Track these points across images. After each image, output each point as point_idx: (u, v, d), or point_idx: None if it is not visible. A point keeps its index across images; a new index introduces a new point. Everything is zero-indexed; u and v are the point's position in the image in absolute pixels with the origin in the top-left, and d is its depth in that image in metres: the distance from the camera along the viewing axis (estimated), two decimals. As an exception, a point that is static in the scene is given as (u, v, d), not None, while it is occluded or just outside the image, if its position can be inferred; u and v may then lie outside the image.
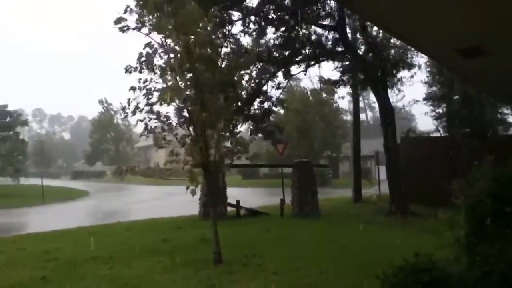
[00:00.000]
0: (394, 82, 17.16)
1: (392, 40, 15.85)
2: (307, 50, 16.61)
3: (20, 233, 13.87)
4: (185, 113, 8.77)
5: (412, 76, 19.09)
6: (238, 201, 16.01)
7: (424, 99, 20.41)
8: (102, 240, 10.52)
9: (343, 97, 46.44)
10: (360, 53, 16.78)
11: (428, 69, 18.56)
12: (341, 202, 20.63)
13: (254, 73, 15.32)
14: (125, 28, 8.18)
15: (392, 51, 16.12)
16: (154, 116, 8.51)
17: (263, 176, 47.11)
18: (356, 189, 21.10)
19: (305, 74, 18.40)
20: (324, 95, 37.42)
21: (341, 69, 17.45)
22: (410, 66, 16.66)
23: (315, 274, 7.05)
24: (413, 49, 15.50)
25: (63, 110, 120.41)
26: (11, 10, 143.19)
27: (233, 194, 17.15)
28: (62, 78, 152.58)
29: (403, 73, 17.54)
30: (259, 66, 16.21)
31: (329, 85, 19.49)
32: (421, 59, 17.86)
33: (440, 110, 20.45)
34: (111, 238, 11.23)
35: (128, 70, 8.56)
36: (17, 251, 9.74)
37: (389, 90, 16.70)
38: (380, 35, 15.99)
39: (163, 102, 8.38)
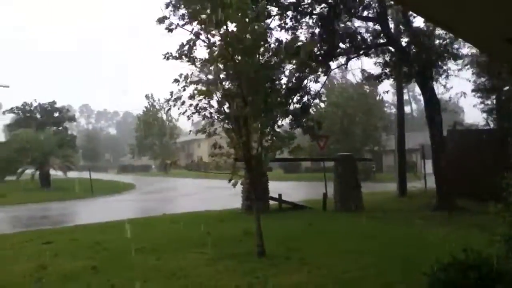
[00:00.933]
0: (440, 74, 16.60)
1: (436, 31, 15.34)
2: (347, 44, 16.34)
3: (71, 224, 14.52)
4: (227, 107, 8.86)
5: (460, 69, 18.47)
6: (280, 195, 16.06)
7: (473, 90, 19.66)
8: (149, 232, 10.85)
9: (387, 92, 45.28)
10: (403, 44, 16.33)
11: (477, 60, 17.80)
12: (385, 196, 20.27)
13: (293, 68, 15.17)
14: (171, 27, 8.35)
15: (437, 42, 15.61)
16: (195, 109, 8.63)
17: (304, 170, 46.92)
18: (400, 183, 20.68)
19: (345, 68, 18.14)
20: (366, 87, 36.70)
21: (383, 63, 17.04)
22: (455, 57, 16.07)
23: (358, 269, 7.01)
24: (459, 39, 15.00)
25: (109, 106, 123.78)
26: (61, 10, 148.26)
27: (275, 188, 17.21)
28: (108, 75, 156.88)
29: (451, 65, 16.95)
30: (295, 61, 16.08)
31: (371, 78, 19.07)
32: (468, 49, 17.19)
33: (489, 102, 19.66)
34: (157, 230, 11.56)
35: (166, 57, 8.67)
36: (68, 242, 10.20)
37: (434, 83, 16.21)
38: (423, 25, 15.51)
39: (203, 95, 8.54)
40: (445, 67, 16.44)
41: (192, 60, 8.48)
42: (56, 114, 43.93)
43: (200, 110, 8.77)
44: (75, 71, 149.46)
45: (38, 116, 42.80)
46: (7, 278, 6.80)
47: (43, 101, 43.98)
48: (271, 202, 15.87)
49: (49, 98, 50.66)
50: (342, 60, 17.20)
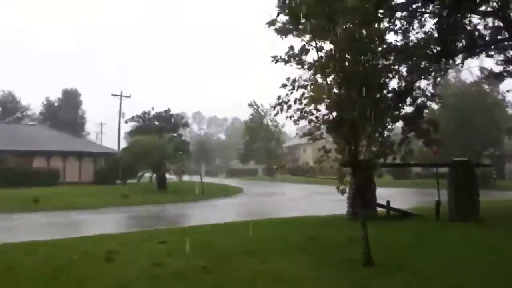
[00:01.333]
0: None
1: None
2: (464, 41, 15.26)
3: (184, 225, 15.43)
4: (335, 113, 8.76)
5: None
6: (388, 202, 15.47)
7: None
8: (255, 235, 11.08)
9: (508, 91, 41.20)
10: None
11: None
12: (508, 206, 18.49)
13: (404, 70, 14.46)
14: (281, 30, 8.47)
15: None
16: (303, 114, 8.67)
17: (415, 176, 44.65)
18: (526, 191, 18.72)
19: (462, 67, 16.95)
20: (486, 86, 33.81)
21: (505, 60, 15.60)
22: None
23: (476, 283, 6.48)
24: None
25: (219, 112, 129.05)
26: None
27: (383, 194, 16.62)
28: (219, 82, 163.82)
29: None
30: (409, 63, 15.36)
31: (492, 78, 17.56)
32: None
33: None
34: (263, 233, 11.77)
35: (276, 59, 8.79)
36: (180, 242, 10.81)
37: None
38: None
39: (313, 102, 8.55)
40: None
41: (301, 64, 8.54)
42: (172, 121, 47.10)
43: (306, 115, 8.79)
44: (189, 79, 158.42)
45: (156, 123, 46.29)
46: (125, 274, 7.39)
47: (159, 109, 47.53)
48: (379, 209, 15.33)
49: (164, 106, 54.58)
50: (457, 59, 16.12)
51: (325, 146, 8.87)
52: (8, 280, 7.15)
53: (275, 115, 9.35)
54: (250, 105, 67.77)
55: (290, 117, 8.93)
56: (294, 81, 8.73)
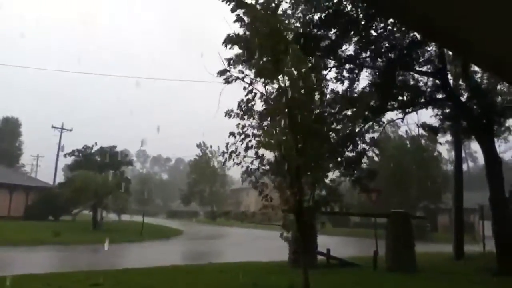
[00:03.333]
0: (502, 130, 15.97)
1: (498, 87, 14.92)
2: (405, 97, 16.17)
3: (118, 267, 14.66)
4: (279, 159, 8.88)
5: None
6: (328, 250, 15.57)
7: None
8: (196, 279, 10.73)
9: (441, 143, 43.77)
10: (463, 99, 15.95)
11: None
12: (441, 258, 19.16)
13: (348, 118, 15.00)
14: (230, 80, 8.66)
15: (499, 98, 15.13)
16: (253, 160, 8.73)
17: (353, 225, 45.54)
18: (457, 244, 19.53)
19: (402, 121, 17.85)
20: (423, 141, 35.73)
21: (442, 116, 16.66)
22: (518, 115, 15.49)
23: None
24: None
25: (163, 151, 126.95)
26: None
27: (323, 242, 16.74)
28: (164, 122, 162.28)
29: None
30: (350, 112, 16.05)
31: (429, 131, 18.62)
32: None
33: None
34: (204, 278, 11.42)
35: (228, 114, 8.93)
36: (116, 284, 10.26)
37: (495, 139, 15.58)
38: (485, 81, 15.14)
39: (261, 148, 8.64)
40: (507, 124, 15.83)
41: (251, 115, 8.69)
42: (115, 158, 45.65)
43: (253, 170, 8.86)
44: (132, 118, 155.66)
45: (98, 159, 44.68)
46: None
47: (103, 145, 46.05)
48: (319, 257, 15.37)
49: (107, 142, 53.12)
50: (398, 113, 16.98)
51: (268, 195, 8.93)
52: None
53: (224, 163, 9.35)
54: (198, 145, 67.41)
55: (238, 163, 8.97)
56: (243, 127, 8.82)
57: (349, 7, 14.87)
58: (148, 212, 67.26)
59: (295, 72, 8.40)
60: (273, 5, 8.56)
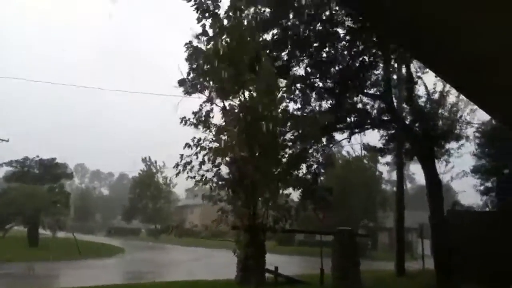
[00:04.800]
0: (442, 153, 16.81)
1: (440, 110, 15.75)
2: (352, 118, 16.66)
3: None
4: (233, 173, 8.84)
5: (459, 148, 18.74)
6: (276, 268, 15.50)
7: (472, 171, 19.87)
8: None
9: (385, 164, 45.46)
10: (407, 122, 16.67)
11: (477, 141, 18.18)
12: (383, 274, 19.69)
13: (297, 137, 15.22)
14: (189, 90, 8.59)
15: (440, 122, 15.94)
16: (209, 170, 8.63)
17: (297, 243, 45.90)
18: (398, 261, 20.16)
19: (349, 142, 18.34)
20: (365, 161, 36.95)
21: (386, 138, 17.32)
22: (458, 138, 16.37)
23: None
24: (461, 120, 15.37)
25: (103, 166, 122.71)
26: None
27: (269, 260, 16.73)
28: (105, 134, 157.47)
29: (451, 145, 17.19)
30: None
31: (373, 152, 19.27)
32: (469, 130, 17.58)
33: (489, 184, 19.77)
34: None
35: (184, 121, 8.81)
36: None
37: (436, 161, 16.35)
38: (428, 105, 15.93)
39: (219, 155, 8.56)
40: (447, 147, 16.68)
41: (207, 127, 8.63)
42: (54, 171, 43.65)
43: (208, 179, 8.75)
44: (72, 128, 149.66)
45: (36, 171, 42.52)
46: None
47: (43, 156, 44.00)
48: (266, 275, 15.28)
49: (46, 154, 50.63)
50: (346, 133, 17.43)
51: (223, 208, 8.85)
52: None
53: (177, 174, 9.19)
54: (144, 160, 65.74)
55: (192, 177, 8.85)
56: (199, 140, 8.74)
57: (301, 28, 15.23)
58: (88, 228, 64.59)
59: (262, 87, 8.45)
60: (241, 17, 8.63)
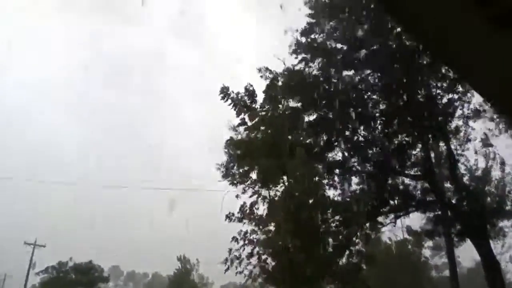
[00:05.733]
0: (496, 231, 15.92)
1: (486, 187, 15.20)
2: (395, 201, 16.24)
3: None
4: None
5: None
6: None
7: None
8: None
9: (427, 248, 43.22)
10: (453, 202, 16.08)
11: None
12: None
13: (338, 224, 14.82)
14: (235, 181, 8.67)
15: (489, 198, 15.32)
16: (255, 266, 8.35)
17: None
18: None
19: (394, 226, 17.72)
20: (409, 246, 35.30)
21: (433, 219, 16.63)
22: (511, 215, 15.56)
23: None
24: (510, 195, 14.80)
25: (138, 267, 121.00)
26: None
27: None
28: (139, 234, 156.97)
29: (504, 223, 16.29)
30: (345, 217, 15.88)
31: (417, 236, 18.42)
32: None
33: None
34: None
35: (229, 217, 8.81)
36: None
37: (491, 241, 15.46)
38: (473, 183, 15.44)
39: (264, 252, 8.34)
40: (500, 224, 15.84)
41: (253, 219, 8.55)
42: (91, 275, 43.51)
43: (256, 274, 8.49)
44: (106, 230, 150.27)
45: (73, 276, 42.38)
46: None
47: (78, 260, 44.10)
48: None
49: (82, 257, 50.59)
50: (388, 218, 16.88)
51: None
52: None
53: (226, 270, 8.94)
54: (179, 258, 64.95)
55: (241, 272, 8.60)
56: (245, 233, 8.62)
57: (335, 113, 15.46)
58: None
59: (299, 174, 8.45)
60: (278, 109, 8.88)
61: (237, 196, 8.96)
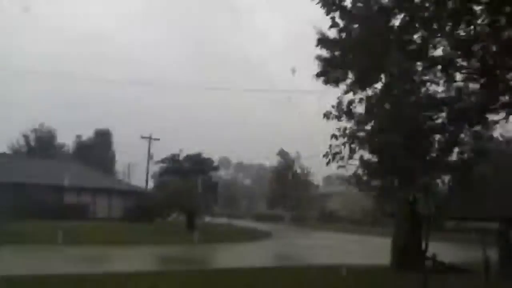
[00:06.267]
0: None
1: None
2: (506, 97, 15.06)
3: (214, 267, 15.32)
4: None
5: None
6: (434, 255, 14.91)
7: None
8: (298, 280, 10.81)
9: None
10: None
11: None
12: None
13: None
14: (332, 79, 8.77)
15: None
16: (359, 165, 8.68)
17: (448, 229, 42.92)
18: None
19: (506, 122, 16.61)
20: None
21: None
22: None
23: None
24: None
25: (245, 159, 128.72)
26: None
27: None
28: (249, 129, 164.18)
29: None
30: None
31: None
32: None
33: None
34: (306, 279, 11.43)
35: (327, 116, 8.97)
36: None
37: None
38: None
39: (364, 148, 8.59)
40: None
41: (351, 116, 8.70)
42: (201, 164, 47.75)
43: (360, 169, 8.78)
44: (217, 127, 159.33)
45: (186, 165, 46.98)
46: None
47: (188, 152, 48.63)
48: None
49: (190, 150, 55.47)
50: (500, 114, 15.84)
51: (378, 195, 8.82)
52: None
53: (327, 163, 9.35)
54: (279, 153, 68.16)
55: (342, 166, 8.96)
56: (344, 129, 8.80)
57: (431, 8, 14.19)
58: (235, 215, 69.22)
59: (398, 72, 8.30)
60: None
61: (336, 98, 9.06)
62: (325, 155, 9.08)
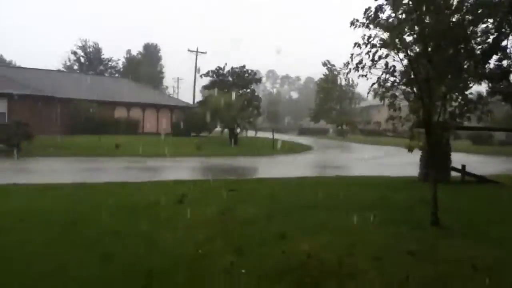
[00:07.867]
0: None
1: None
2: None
3: (254, 177, 15.92)
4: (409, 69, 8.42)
5: None
6: (463, 166, 14.80)
7: None
8: (322, 190, 11.13)
9: None
10: None
11: None
12: None
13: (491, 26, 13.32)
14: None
15: None
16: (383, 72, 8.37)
17: (498, 142, 41.88)
18: None
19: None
20: None
21: None
22: None
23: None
24: None
25: (292, 71, 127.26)
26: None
27: (460, 159, 15.92)
28: (293, 42, 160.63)
29: None
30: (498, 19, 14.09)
31: None
32: None
33: None
34: (330, 189, 11.79)
35: (353, 24, 8.56)
36: (250, 191, 11.22)
37: None
38: None
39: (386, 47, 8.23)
40: None
41: (378, 25, 8.22)
42: (245, 77, 47.77)
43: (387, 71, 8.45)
44: (264, 39, 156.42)
45: (230, 78, 47.14)
46: (197, 218, 7.82)
47: (234, 65, 48.52)
48: (454, 174, 14.73)
49: (238, 63, 55.56)
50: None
51: (395, 105, 8.57)
52: (93, 216, 7.88)
53: (347, 73, 9.08)
54: (324, 64, 66.48)
55: (364, 75, 8.66)
56: (369, 38, 8.40)
57: None
58: (279, 129, 70.05)
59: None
60: None
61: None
62: (346, 64, 8.83)
